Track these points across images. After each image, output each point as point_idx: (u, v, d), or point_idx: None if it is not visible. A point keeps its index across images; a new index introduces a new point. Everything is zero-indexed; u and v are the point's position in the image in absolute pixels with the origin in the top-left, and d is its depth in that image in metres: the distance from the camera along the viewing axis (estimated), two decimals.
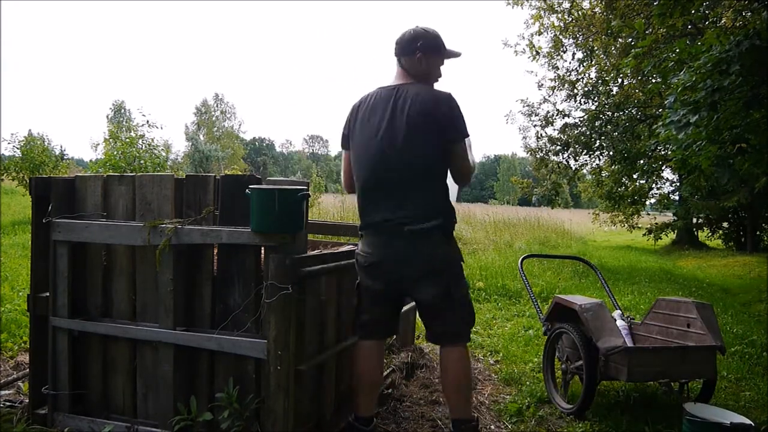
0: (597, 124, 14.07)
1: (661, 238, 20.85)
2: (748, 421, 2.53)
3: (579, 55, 15.00)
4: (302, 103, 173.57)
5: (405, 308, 3.92)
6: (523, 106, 17.06)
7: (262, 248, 2.26)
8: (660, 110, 10.50)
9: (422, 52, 2.42)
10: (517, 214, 18.03)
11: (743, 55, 4.52)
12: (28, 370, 2.87)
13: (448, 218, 2.39)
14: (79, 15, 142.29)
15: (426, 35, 2.43)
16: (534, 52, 15.53)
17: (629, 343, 3.26)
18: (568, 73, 15.51)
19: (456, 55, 2.54)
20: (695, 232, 20.86)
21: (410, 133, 2.29)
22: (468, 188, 2.53)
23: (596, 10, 14.00)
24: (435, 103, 2.32)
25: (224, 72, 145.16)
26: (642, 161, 12.97)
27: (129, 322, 2.48)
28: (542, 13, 15.10)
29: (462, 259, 2.47)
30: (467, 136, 2.40)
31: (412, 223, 2.30)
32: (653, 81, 9.24)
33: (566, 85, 15.42)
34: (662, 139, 5.74)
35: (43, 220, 2.52)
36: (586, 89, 14.95)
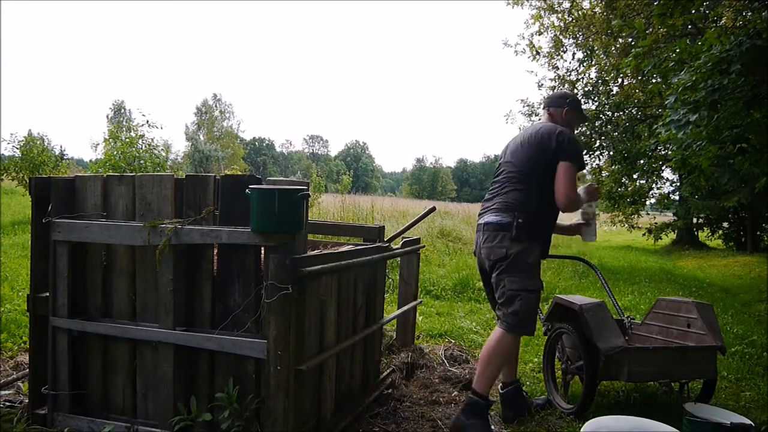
0: (597, 124, 14.05)
1: (661, 238, 20.86)
2: (748, 421, 2.53)
3: (579, 55, 14.98)
4: (302, 103, 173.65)
5: (405, 308, 3.92)
6: (523, 106, 17.05)
7: (262, 248, 2.26)
8: (660, 110, 10.50)
9: (569, 107, 3.02)
10: None
11: (744, 55, 4.51)
12: (28, 370, 2.87)
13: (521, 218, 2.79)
14: (79, 15, 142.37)
15: (574, 96, 3.12)
16: (534, 52, 15.53)
17: None
18: (568, 73, 15.50)
19: (585, 120, 3.27)
20: (695, 232, 20.87)
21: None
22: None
23: (596, 10, 14.00)
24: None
25: (224, 72, 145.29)
26: (642, 161, 12.95)
27: (129, 322, 2.48)
28: (542, 13, 15.10)
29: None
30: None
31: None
32: (653, 81, 9.24)
33: (566, 85, 15.39)
34: (663, 140, 5.74)
35: (43, 220, 2.52)
36: (586, 89, 14.93)
